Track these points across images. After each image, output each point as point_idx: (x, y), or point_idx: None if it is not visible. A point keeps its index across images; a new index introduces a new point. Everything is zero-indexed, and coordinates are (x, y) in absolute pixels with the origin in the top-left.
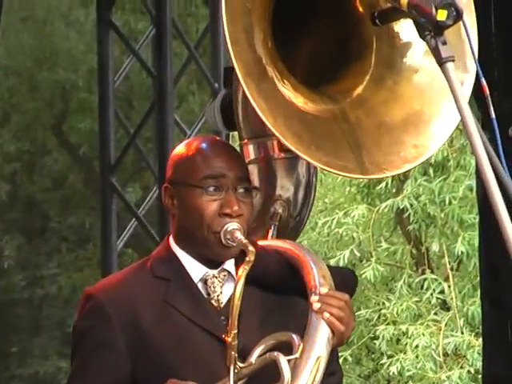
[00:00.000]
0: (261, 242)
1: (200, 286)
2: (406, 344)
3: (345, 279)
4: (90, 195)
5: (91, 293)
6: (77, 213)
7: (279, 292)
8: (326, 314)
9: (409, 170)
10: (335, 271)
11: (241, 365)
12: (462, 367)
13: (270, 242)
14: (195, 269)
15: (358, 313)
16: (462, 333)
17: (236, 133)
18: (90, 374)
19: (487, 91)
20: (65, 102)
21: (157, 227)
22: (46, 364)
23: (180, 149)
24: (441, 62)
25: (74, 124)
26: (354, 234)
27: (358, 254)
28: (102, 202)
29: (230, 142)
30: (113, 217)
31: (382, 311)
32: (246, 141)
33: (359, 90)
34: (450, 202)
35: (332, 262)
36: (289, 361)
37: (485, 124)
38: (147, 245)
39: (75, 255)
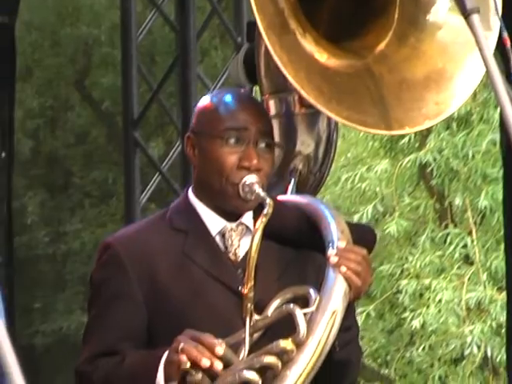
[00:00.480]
0: (280, 197)
1: (218, 239)
2: (429, 298)
3: (364, 235)
4: (112, 150)
5: (109, 243)
6: (100, 168)
7: (297, 246)
8: (343, 268)
9: (431, 127)
10: (354, 227)
11: (257, 317)
12: (484, 321)
13: (289, 197)
14: (213, 221)
15: (381, 267)
16: (485, 287)
17: (259, 87)
18: (106, 324)
19: (509, 44)
20: (87, 57)
21: (180, 182)
22: (69, 319)
23: (205, 99)
24: (466, 14)
25: (96, 79)
26: (377, 189)
27: (381, 209)
28: (125, 157)
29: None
30: (136, 172)
31: (405, 266)
32: (267, 96)
33: (382, 46)
34: (474, 156)
35: (355, 218)
36: (305, 314)
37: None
38: (170, 200)
39: (98, 210)
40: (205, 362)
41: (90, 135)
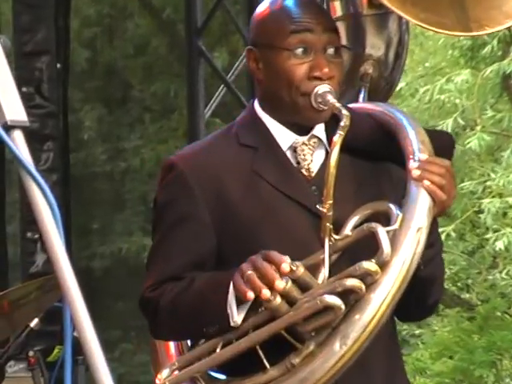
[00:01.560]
0: (351, 105)
1: (289, 154)
2: None
3: (442, 143)
4: (174, 61)
5: (173, 162)
6: (161, 80)
7: (373, 158)
8: (427, 182)
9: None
10: (431, 135)
11: (336, 237)
12: None
13: (361, 104)
14: (283, 136)
15: (462, 185)
16: None
17: None
18: (172, 248)
19: None
20: None
21: (247, 94)
22: (129, 241)
23: (262, 7)
24: None
25: None
26: (457, 101)
27: (462, 123)
28: (187, 68)
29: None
30: (200, 83)
31: (488, 183)
32: None
33: None
34: None
35: None
36: (388, 232)
37: None
38: (237, 113)
39: (159, 126)
40: (265, 293)
41: (150, 45)
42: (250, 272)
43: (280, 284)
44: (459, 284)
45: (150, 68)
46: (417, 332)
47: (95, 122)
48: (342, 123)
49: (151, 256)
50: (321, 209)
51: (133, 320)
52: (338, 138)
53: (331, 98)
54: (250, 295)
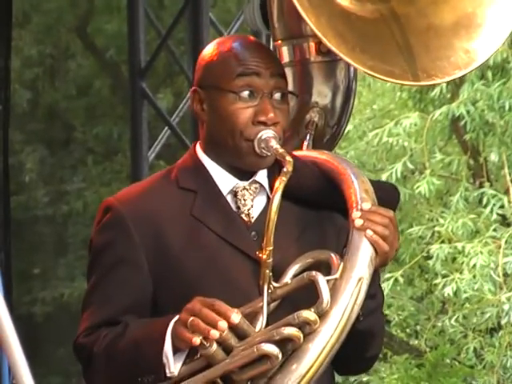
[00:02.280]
0: (296, 153)
1: (229, 198)
2: (463, 263)
3: (386, 194)
4: (117, 103)
5: (110, 203)
6: (104, 122)
7: (316, 207)
8: (369, 232)
9: (461, 76)
10: (376, 185)
11: (275, 285)
12: None
13: (306, 152)
14: (224, 180)
15: (410, 230)
16: None
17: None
18: (108, 292)
19: None
20: (90, 0)
21: (191, 136)
22: (71, 286)
23: (210, 48)
24: None
25: (100, 25)
26: (406, 144)
27: (411, 166)
28: (131, 110)
29: (271, 43)
30: (143, 125)
31: (437, 228)
32: (279, 42)
33: None
34: (510, 108)
35: (383, 176)
36: (328, 281)
37: None
38: (181, 156)
39: (102, 168)
40: (214, 334)
41: (93, 86)
42: (192, 318)
43: (223, 324)
44: (408, 330)
45: (92, 109)
46: (365, 379)
47: (37, 163)
48: (284, 169)
49: (86, 299)
50: (260, 255)
51: (74, 366)
52: (279, 184)
53: (274, 144)
54: (196, 341)
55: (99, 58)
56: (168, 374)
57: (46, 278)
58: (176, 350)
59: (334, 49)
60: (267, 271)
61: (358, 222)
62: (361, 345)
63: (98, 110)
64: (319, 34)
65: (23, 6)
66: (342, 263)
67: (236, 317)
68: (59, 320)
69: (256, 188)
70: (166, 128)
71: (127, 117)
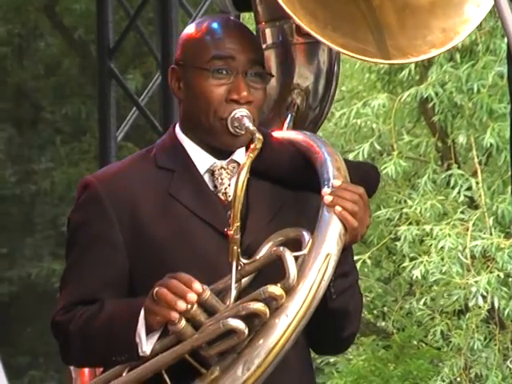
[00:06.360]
0: (275, 133)
1: (206, 177)
2: (430, 245)
3: (365, 175)
4: (86, 82)
5: (88, 181)
6: (72, 102)
7: (293, 186)
8: (338, 208)
9: (435, 56)
10: (355, 165)
11: (244, 261)
12: (491, 271)
13: (285, 132)
14: (202, 159)
15: (378, 212)
16: (491, 233)
17: (246, 15)
18: (85, 270)
19: None
20: None
21: (160, 117)
22: (38, 266)
23: (190, 28)
24: None
25: (68, 4)
26: (374, 126)
27: (379, 148)
28: (99, 90)
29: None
30: (112, 106)
31: (404, 210)
32: (263, 24)
33: None
34: (479, 90)
35: (350, 156)
36: (296, 258)
37: None
38: (149, 137)
39: (70, 148)
40: (180, 305)
41: (62, 66)
42: (158, 288)
43: (192, 296)
44: (375, 312)
45: (61, 89)
46: (332, 360)
47: (4, 143)
48: (252, 145)
49: (64, 278)
50: (228, 232)
51: (41, 346)
52: (246, 160)
53: (247, 122)
54: (168, 313)
55: (68, 38)
56: (140, 354)
57: (12, 257)
58: (149, 331)
59: (304, 27)
60: (235, 247)
61: (328, 199)
62: (336, 324)
63: (66, 90)
64: (289, 11)
65: None
66: (311, 239)
67: (206, 293)
68: (26, 300)
69: (234, 167)
70: (134, 108)
71: (96, 97)
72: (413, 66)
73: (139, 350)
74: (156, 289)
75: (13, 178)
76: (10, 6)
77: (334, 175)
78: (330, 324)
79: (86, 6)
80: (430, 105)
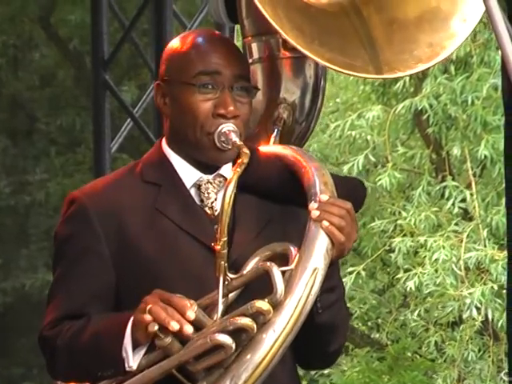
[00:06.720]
0: (262, 148)
1: (193, 192)
2: (425, 257)
3: (353, 189)
4: (80, 94)
5: (75, 196)
6: (66, 113)
7: (280, 201)
8: (325, 223)
9: (424, 70)
10: (342, 180)
11: (231, 276)
12: (484, 283)
13: (271, 147)
14: (188, 174)
15: (373, 224)
16: (485, 245)
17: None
18: (72, 284)
19: None
20: None
21: (154, 129)
22: (32, 277)
23: (174, 43)
24: None
25: (63, 16)
26: (369, 137)
27: (373, 159)
28: (94, 101)
29: (235, 36)
30: (106, 117)
31: (399, 222)
32: (249, 38)
33: None
34: (473, 103)
35: (345, 168)
36: (283, 272)
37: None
38: (144, 148)
39: (65, 159)
40: (174, 325)
41: (56, 77)
42: (151, 306)
43: (191, 314)
44: (369, 323)
45: (55, 100)
46: (326, 372)
47: None
48: (239, 160)
49: (51, 292)
50: (215, 246)
51: (35, 357)
52: (233, 175)
53: (234, 137)
54: (153, 326)
55: (62, 49)
56: (127, 369)
57: (7, 268)
58: (136, 345)
59: (291, 41)
60: (222, 262)
61: (315, 213)
62: (323, 339)
63: (61, 101)
64: (276, 26)
65: None
66: (298, 254)
67: (191, 313)
68: (21, 311)
69: (220, 182)
70: (129, 120)
71: (90, 108)
72: (407, 78)
73: (126, 365)
74: (146, 306)
75: (7, 189)
76: (4, 17)
77: (321, 190)
78: (317, 338)
79: (81, 17)
80: (425, 117)
